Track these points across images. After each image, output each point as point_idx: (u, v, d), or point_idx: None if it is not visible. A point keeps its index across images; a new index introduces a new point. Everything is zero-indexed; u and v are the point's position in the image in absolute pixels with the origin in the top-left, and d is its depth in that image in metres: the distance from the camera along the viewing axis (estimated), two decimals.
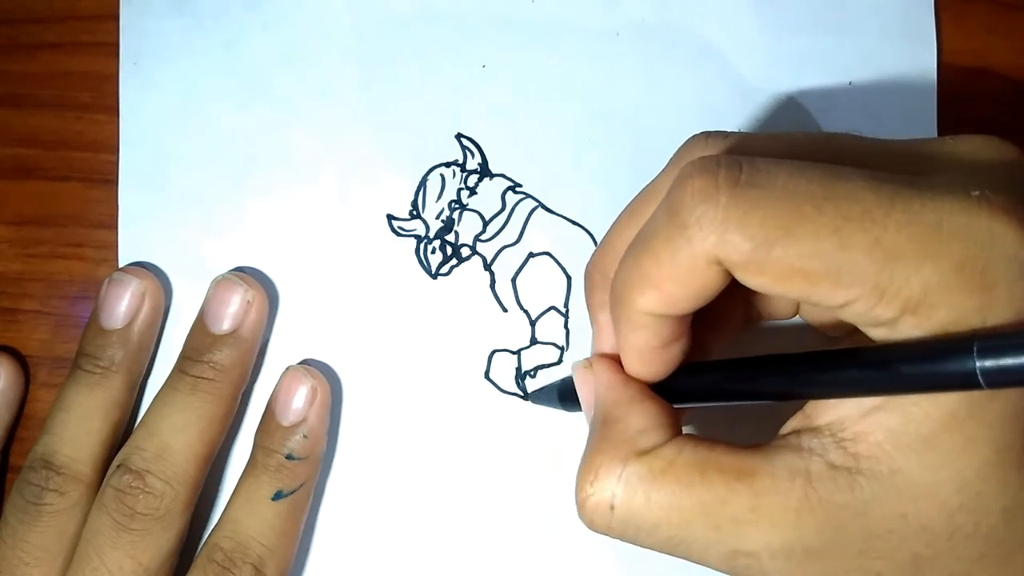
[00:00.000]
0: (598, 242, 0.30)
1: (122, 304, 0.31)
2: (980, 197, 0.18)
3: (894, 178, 0.19)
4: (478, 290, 0.32)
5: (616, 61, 0.32)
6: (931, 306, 0.18)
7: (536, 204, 0.32)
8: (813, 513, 0.20)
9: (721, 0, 0.32)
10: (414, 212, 0.32)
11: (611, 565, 0.31)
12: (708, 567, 0.21)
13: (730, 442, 0.21)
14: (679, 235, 0.20)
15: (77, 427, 0.30)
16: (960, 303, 0.18)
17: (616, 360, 0.24)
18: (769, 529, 0.20)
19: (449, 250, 0.32)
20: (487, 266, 0.32)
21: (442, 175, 0.32)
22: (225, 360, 0.30)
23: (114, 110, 0.33)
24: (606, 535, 0.22)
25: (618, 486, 0.21)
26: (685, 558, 0.22)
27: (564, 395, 0.28)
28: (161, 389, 0.30)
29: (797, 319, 0.27)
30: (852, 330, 0.21)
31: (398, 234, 0.32)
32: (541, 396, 0.31)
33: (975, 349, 0.17)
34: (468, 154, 0.32)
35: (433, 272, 0.32)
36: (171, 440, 0.29)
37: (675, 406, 0.23)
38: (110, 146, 0.33)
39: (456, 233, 0.32)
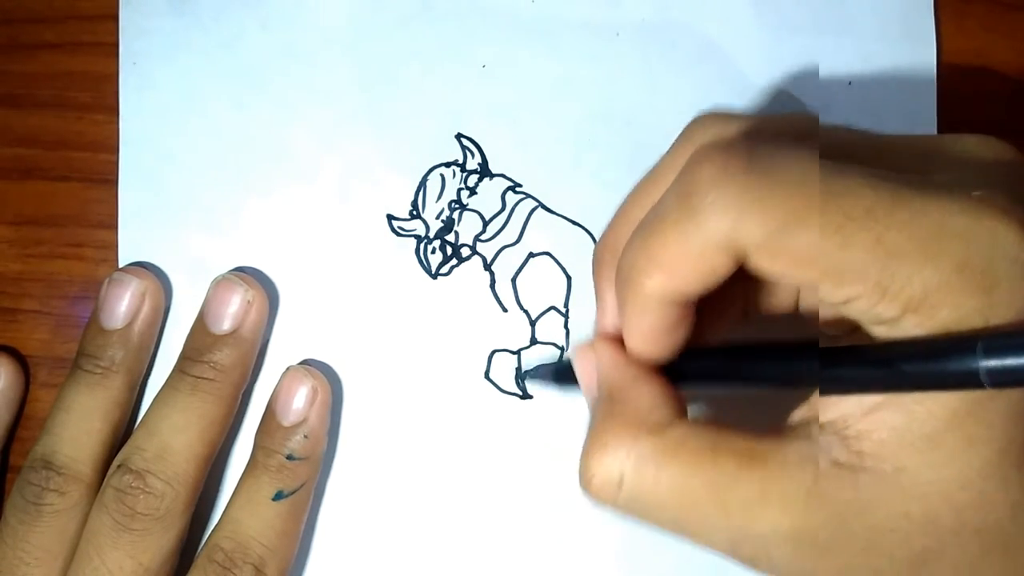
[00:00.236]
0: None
1: (122, 304, 0.31)
2: (981, 198, 0.18)
3: (896, 176, 0.19)
4: (478, 290, 0.32)
5: (616, 61, 0.32)
6: (933, 306, 0.18)
7: (536, 204, 0.32)
8: (821, 503, 0.20)
9: (721, 0, 0.32)
10: (414, 212, 0.32)
11: (611, 564, 0.31)
12: (712, 550, 0.21)
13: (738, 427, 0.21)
14: (690, 219, 0.20)
15: (77, 427, 0.30)
16: (962, 303, 0.18)
17: (619, 341, 0.24)
18: (779, 513, 0.20)
19: (449, 250, 0.32)
20: (487, 266, 0.32)
21: (442, 175, 0.32)
22: (225, 360, 0.30)
23: (114, 110, 0.33)
24: (610, 511, 0.22)
25: (627, 462, 0.21)
26: (690, 540, 0.21)
27: (561, 376, 0.28)
28: (161, 389, 0.30)
29: (796, 311, 0.27)
30: (852, 329, 0.21)
31: (398, 234, 0.32)
32: (536, 376, 0.31)
33: (979, 348, 0.17)
34: (468, 154, 0.32)
35: (433, 272, 0.32)
36: (171, 440, 0.29)
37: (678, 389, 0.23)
38: (110, 146, 0.33)
39: (456, 233, 0.32)
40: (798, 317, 0.26)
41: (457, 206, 0.32)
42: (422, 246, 0.32)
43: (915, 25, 0.32)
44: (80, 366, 0.30)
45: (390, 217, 0.32)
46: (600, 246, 0.26)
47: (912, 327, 0.19)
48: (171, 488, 0.28)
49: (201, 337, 0.30)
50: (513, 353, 0.32)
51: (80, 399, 0.30)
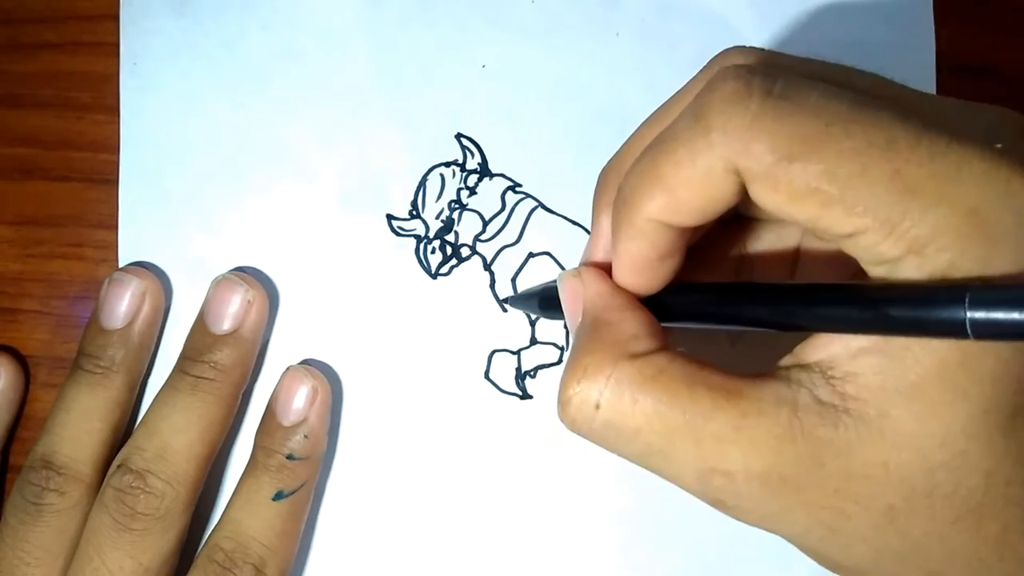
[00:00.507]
0: None
1: (122, 304, 0.31)
2: (1003, 150, 0.18)
3: (923, 119, 0.19)
4: (478, 290, 0.32)
5: (616, 61, 0.32)
6: (938, 248, 0.18)
7: (536, 204, 0.32)
8: (795, 443, 0.19)
9: (721, 0, 0.32)
10: (414, 212, 0.32)
11: (611, 564, 0.31)
12: (679, 484, 0.21)
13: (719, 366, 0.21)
14: (702, 138, 0.19)
15: (77, 427, 0.30)
16: (965, 249, 0.18)
17: (606, 270, 0.24)
18: (750, 451, 0.20)
19: (449, 250, 0.32)
20: (487, 266, 0.32)
21: (442, 175, 0.32)
22: (225, 360, 0.30)
23: (114, 110, 0.33)
24: (585, 437, 0.22)
25: (606, 387, 0.21)
26: (658, 472, 0.21)
27: (545, 302, 0.28)
28: (161, 389, 0.30)
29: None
30: (848, 278, 0.21)
31: (398, 234, 0.32)
32: (519, 301, 0.30)
33: (967, 299, 0.17)
34: (468, 154, 0.32)
35: (433, 272, 0.32)
36: (172, 440, 0.29)
37: (661, 324, 0.23)
38: (110, 146, 0.33)
39: (456, 233, 0.32)
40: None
41: (457, 206, 0.32)
42: (422, 246, 0.32)
43: (915, 25, 0.32)
44: (80, 366, 0.30)
45: (390, 217, 0.32)
46: (605, 169, 0.26)
47: (911, 270, 0.18)
48: (171, 488, 0.29)
49: (201, 337, 0.30)
50: (513, 353, 0.32)
51: (80, 399, 0.30)
